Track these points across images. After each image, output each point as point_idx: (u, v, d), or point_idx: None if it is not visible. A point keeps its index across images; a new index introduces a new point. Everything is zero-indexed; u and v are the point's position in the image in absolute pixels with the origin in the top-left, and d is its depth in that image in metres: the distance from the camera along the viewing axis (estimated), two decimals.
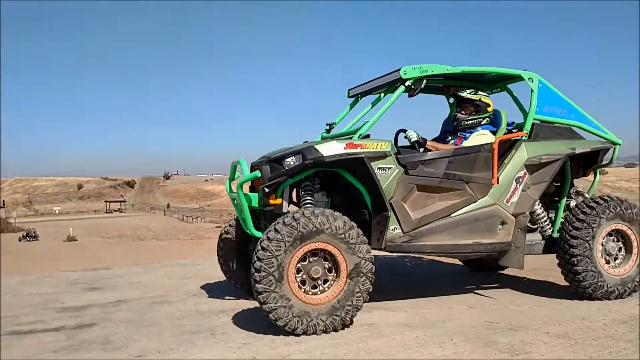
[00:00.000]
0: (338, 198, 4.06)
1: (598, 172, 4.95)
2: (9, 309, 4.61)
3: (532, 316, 3.96)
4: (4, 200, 78.84)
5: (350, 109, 4.97)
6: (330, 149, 3.81)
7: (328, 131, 4.77)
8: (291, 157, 3.84)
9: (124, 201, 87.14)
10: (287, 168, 3.82)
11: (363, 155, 3.82)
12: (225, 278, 4.96)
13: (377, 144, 3.92)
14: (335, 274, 3.64)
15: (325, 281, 3.64)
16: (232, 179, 4.40)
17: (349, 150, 3.82)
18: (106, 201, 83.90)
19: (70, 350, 3.39)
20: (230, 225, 4.79)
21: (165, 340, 3.53)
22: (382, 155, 3.91)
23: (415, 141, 4.43)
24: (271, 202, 3.87)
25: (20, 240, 38.60)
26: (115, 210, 78.47)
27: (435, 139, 4.76)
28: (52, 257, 26.93)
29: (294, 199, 4.36)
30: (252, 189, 4.22)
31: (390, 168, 3.94)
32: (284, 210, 3.90)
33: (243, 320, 3.95)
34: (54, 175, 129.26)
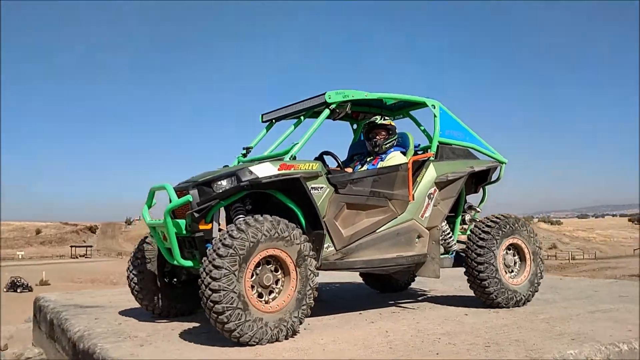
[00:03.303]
0: None
1: (487, 188, 5.43)
2: None
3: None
4: None
5: (267, 132, 5.06)
6: (265, 170, 3.84)
7: (244, 155, 4.79)
8: (224, 180, 3.80)
9: (90, 246, 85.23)
10: (219, 191, 3.76)
11: (299, 176, 3.90)
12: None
13: (309, 165, 4.05)
14: (282, 280, 3.68)
15: (270, 292, 3.64)
16: (149, 206, 4.21)
17: (284, 171, 3.89)
18: (72, 246, 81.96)
19: None
20: (140, 250, 4.43)
21: None
22: (315, 175, 4.04)
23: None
24: (201, 227, 3.77)
25: (7, 291, 35.17)
26: (81, 256, 76.67)
27: (344, 162, 5.01)
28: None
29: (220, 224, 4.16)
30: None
31: (322, 187, 4.08)
32: (214, 235, 3.76)
33: None
34: (9, 220, 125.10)
